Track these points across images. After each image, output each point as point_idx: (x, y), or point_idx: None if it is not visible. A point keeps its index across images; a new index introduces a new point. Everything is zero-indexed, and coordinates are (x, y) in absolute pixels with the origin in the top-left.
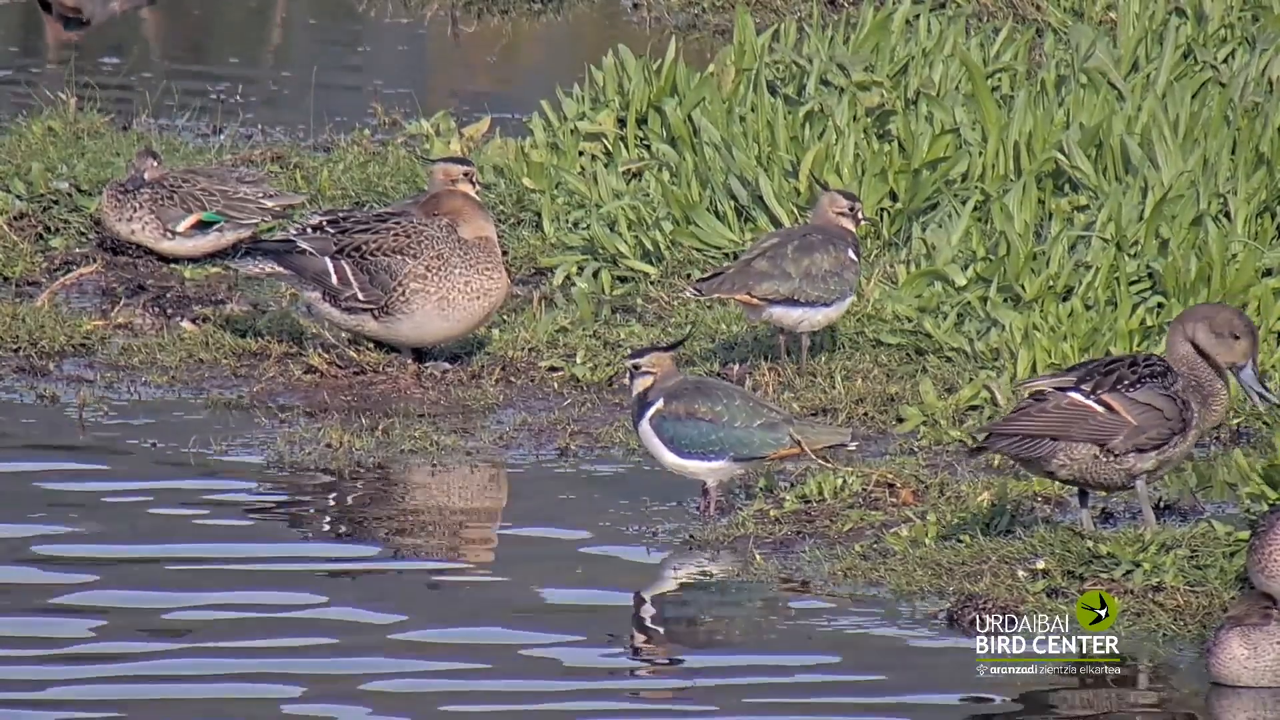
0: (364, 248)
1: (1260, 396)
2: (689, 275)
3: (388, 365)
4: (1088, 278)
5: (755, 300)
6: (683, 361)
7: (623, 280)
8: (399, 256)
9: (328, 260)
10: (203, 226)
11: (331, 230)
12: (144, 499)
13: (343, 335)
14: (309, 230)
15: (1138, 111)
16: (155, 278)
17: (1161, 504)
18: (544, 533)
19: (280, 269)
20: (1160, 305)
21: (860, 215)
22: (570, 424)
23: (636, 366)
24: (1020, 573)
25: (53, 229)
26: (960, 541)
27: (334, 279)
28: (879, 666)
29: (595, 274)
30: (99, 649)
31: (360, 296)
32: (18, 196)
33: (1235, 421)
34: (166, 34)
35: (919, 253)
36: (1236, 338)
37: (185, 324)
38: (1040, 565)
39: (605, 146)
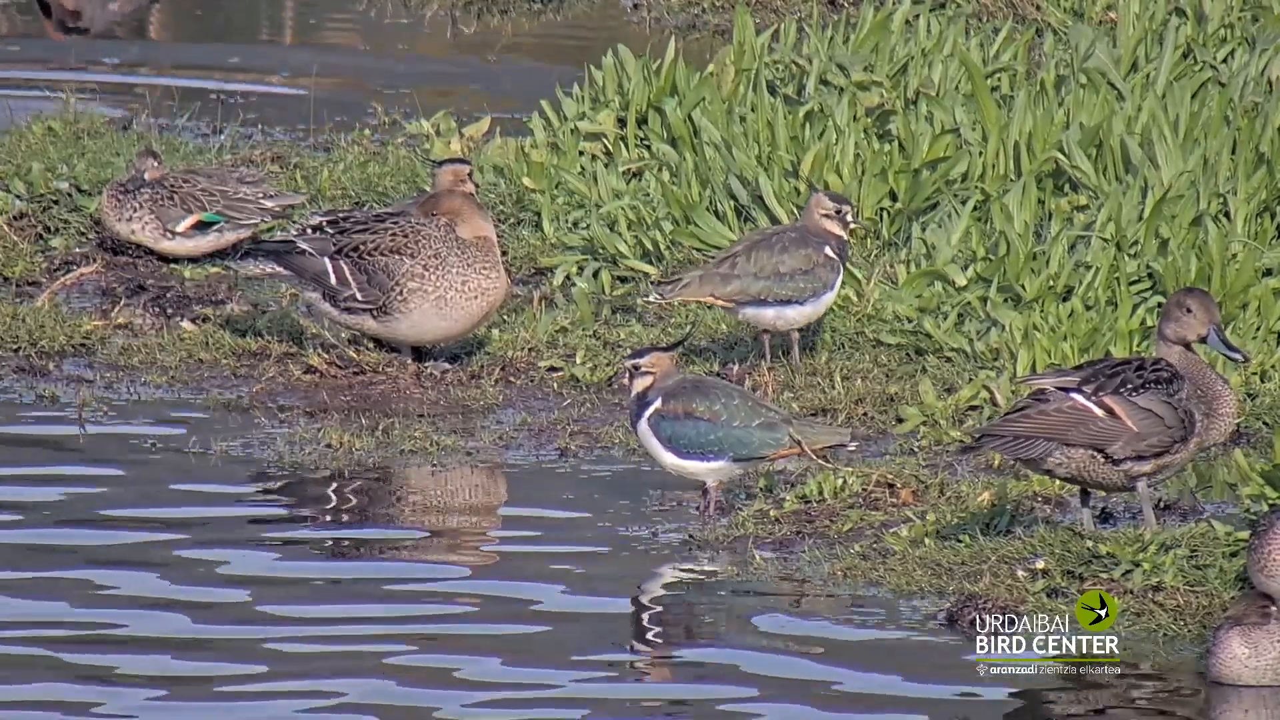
0: (362, 248)
1: (1230, 357)
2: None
3: (388, 365)
4: (1088, 278)
5: (720, 302)
6: (684, 362)
7: (623, 280)
8: (396, 256)
9: (326, 260)
10: (203, 227)
11: (331, 230)
12: (142, 499)
13: (343, 335)
14: (309, 230)
15: (1138, 111)
16: (155, 278)
17: (1161, 504)
18: (543, 533)
19: (280, 269)
20: (1160, 305)
21: (849, 218)
22: (570, 424)
23: (636, 367)
24: (1020, 573)
25: (53, 229)
26: (960, 541)
27: (333, 279)
28: (879, 667)
29: (595, 274)
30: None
31: (359, 296)
32: (18, 196)
33: (1236, 422)
34: (167, 34)
35: (919, 253)
36: (1189, 311)
37: (185, 324)
38: (1040, 565)
39: (605, 146)
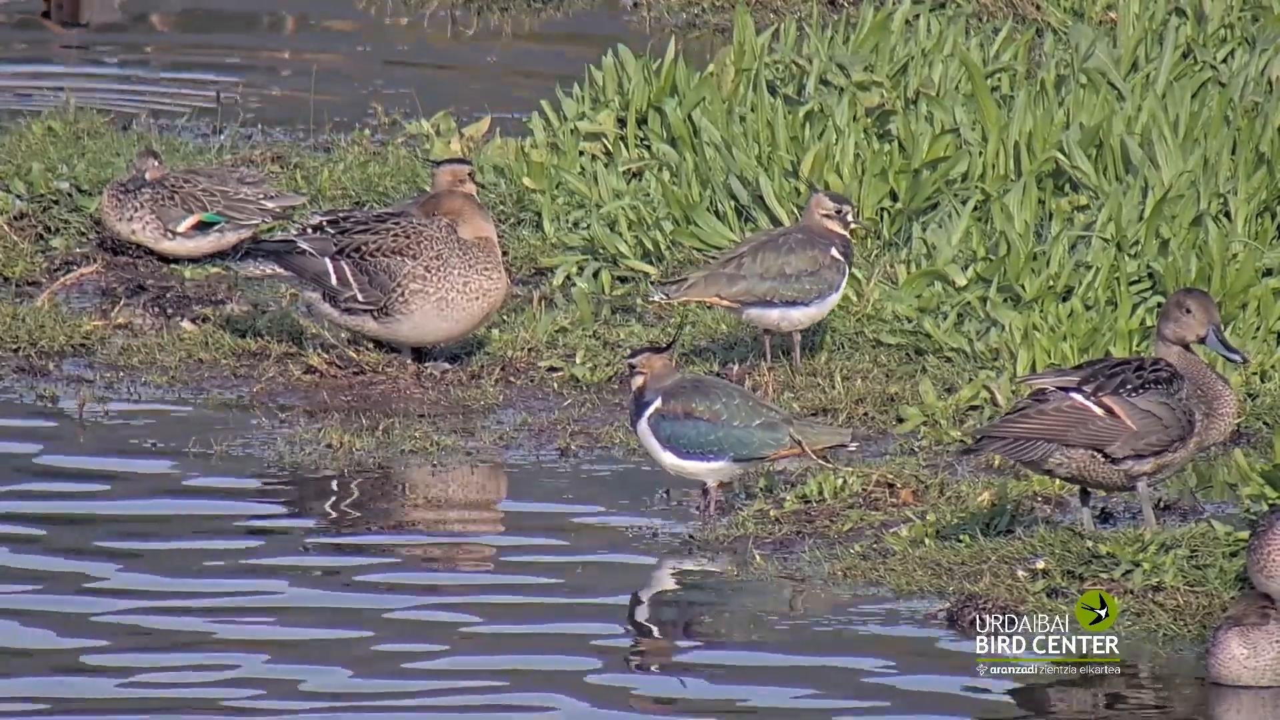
0: (363, 248)
1: (1229, 359)
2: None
3: (388, 365)
4: (1088, 278)
5: (725, 303)
6: (684, 362)
7: (623, 280)
8: (398, 257)
9: (327, 261)
10: (203, 227)
11: (332, 231)
12: (143, 499)
13: (343, 335)
14: (309, 230)
15: (1138, 111)
16: (155, 278)
17: (1161, 504)
18: (543, 533)
19: (280, 269)
20: (1160, 305)
21: (850, 218)
22: (570, 424)
23: (632, 366)
24: (1020, 573)
25: (53, 229)
26: (960, 541)
27: (333, 279)
28: (878, 667)
29: (595, 274)
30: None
31: (359, 297)
32: (18, 196)
33: (1236, 422)
34: (167, 34)
35: (919, 253)
36: (1188, 311)
37: (185, 324)
38: (1040, 565)
39: (605, 146)
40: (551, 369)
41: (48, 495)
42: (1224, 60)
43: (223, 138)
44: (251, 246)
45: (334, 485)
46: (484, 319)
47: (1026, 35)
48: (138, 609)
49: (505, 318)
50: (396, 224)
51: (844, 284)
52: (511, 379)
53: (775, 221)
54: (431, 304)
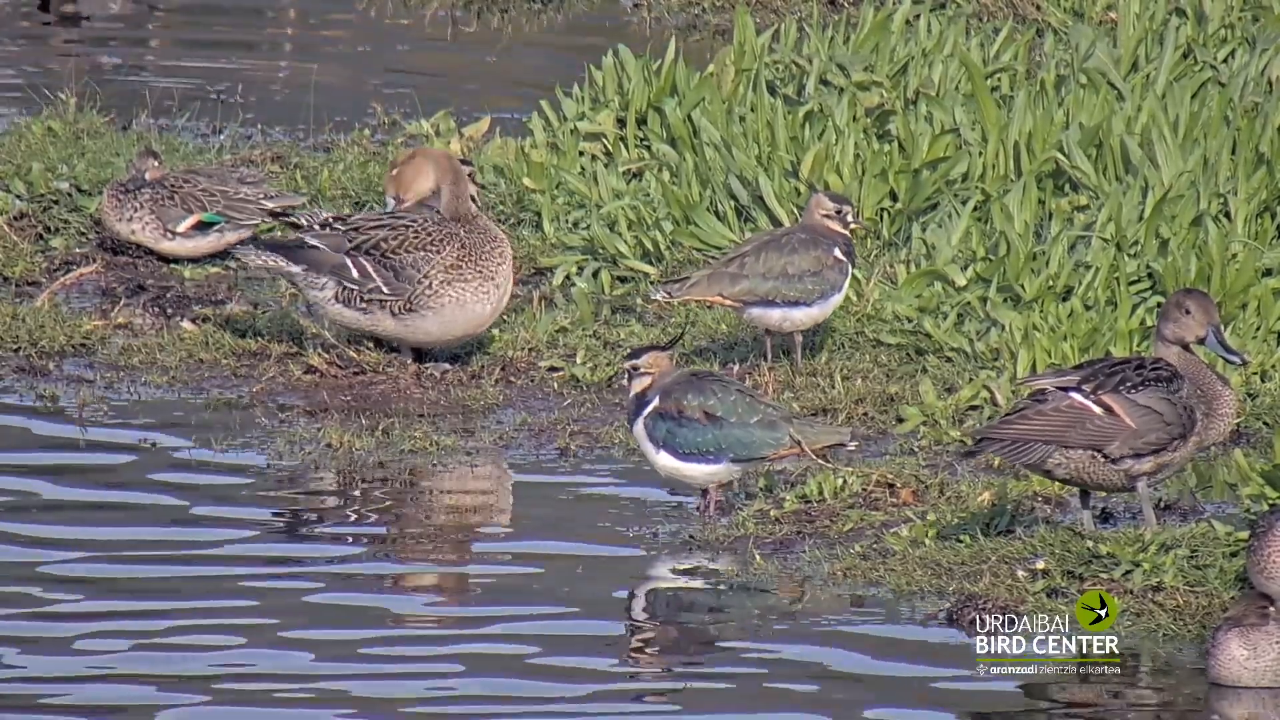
0: (383, 244)
1: (1228, 360)
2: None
3: (388, 365)
4: (1088, 278)
5: (728, 302)
6: (684, 362)
7: (623, 280)
8: (423, 252)
9: (345, 256)
10: (203, 227)
11: (342, 227)
12: (143, 499)
13: (342, 335)
14: (317, 226)
15: (1138, 111)
16: (155, 278)
17: (1161, 504)
18: (543, 533)
19: (284, 262)
20: (1160, 305)
21: (850, 218)
22: (570, 424)
23: (635, 368)
24: (1020, 573)
25: (53, 229)
26: (960, 541)
27: (354, 273)
28: (878, 667)
29: (595, 274)
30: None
31: (384, 290)
32: (18, 196)
33: (1235, 422)
34: (167, 33)
35: (919, 253)
36: (1187, 312)
37: (185, 324)
38: (1040, 565)
39: (605, 146)
40: (551, 369)
41: (45, 494)
42: (1224, 60)
43: (223, 138)
44: (267, 243)
45: (334, 485)
46: (496, 312)
47: (1026, 35)
48: (131, 607)
49: (505, 318)
50: (414, 221)
51: (846, 285)
52: (511, 379)
53: (775, 221)
54: (467, 295)
